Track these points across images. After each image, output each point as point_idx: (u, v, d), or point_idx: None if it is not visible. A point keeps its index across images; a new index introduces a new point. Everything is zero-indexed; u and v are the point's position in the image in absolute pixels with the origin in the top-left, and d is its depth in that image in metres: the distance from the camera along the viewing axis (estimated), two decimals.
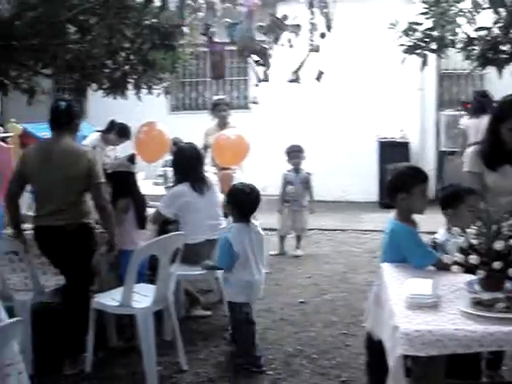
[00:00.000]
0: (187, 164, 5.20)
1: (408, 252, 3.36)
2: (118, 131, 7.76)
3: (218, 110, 7.57)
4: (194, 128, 8.21)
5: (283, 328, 5.21)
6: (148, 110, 8.75)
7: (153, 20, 5.12)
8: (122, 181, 4.82)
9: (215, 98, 8.61)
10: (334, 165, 11.09)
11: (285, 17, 5.48)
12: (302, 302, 5.85)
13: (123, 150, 7.76)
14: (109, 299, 4.32)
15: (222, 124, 7.49)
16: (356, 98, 11.12)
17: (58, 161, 4.31)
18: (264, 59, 5.44)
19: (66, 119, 4.44)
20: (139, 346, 4.28)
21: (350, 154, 11.16)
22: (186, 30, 5.38)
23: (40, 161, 4.36)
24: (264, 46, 5.52)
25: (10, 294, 4.20)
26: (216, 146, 6.79)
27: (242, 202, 4.52)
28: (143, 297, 4.29)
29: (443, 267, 3.07)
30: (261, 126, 10.96)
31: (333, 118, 11.30)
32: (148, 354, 4.11)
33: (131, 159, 4.98)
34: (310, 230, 8.16)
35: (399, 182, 3.48)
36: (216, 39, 5.47)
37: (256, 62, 5.67)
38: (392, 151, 10.64)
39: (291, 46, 5.57)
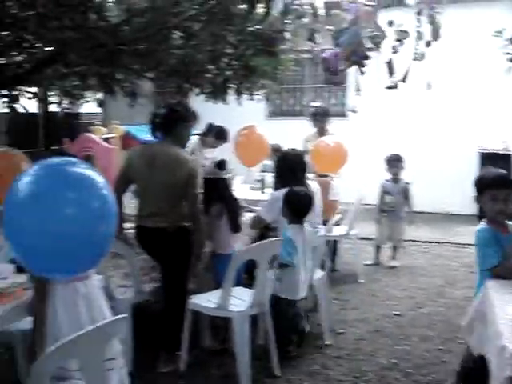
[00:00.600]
0: (290, 170, 5.20)
1: (476, 252, 3.51)
2: (215, 134, 7.86)
3: (318, 117, 7.53)
4: (290, 134, 8.22)
5: (378, 340, 5.13)
6: (245, 114, 8.81)
7: (256, 26, 5.14)
8: (213, 187, 4.84)
9: (313, 104, 8.57)
10: (432, 175, 10.83)
11: (391, 23, 5.39)
12: (397, 315, 5.74)
13: (221, 152, 7.85)
14: (205, 301, 4.39)
15: (322, 131, 7.45)
16: (458, 107, 10.81)
17: (161, 166, 4.42)
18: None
19: (170, 124, 4.56)
20: (233, 348, 4.32)
21: (450, 164, 10.86)
22: (288, 35, 5.37)
23: (144, 163, 4.48)
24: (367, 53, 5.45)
25: (113, 293, 4.32)
26: (315, 152, 6.76)
27: (297, 204, 4.76)
28: (240, 300, 4.34)
29: (506, 273, 3.08)
30: (359, 134, 10.86)
31: (433, 127, 11.03)
32: (242, 357, 4.16)
33: (220, 165, 5.00)
34: (406, 241, 7.99)
35: (476, 185, 3.71)
36: (321, 45, 5.45)
37: (359, 67, 5.60)
38: (493, 163, 10.23)
39: (395, 53, 5.48)
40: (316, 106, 8.03)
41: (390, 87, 5.89)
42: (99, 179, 2.53)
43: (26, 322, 3.52)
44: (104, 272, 4.34)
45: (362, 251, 7.45)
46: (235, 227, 4.91)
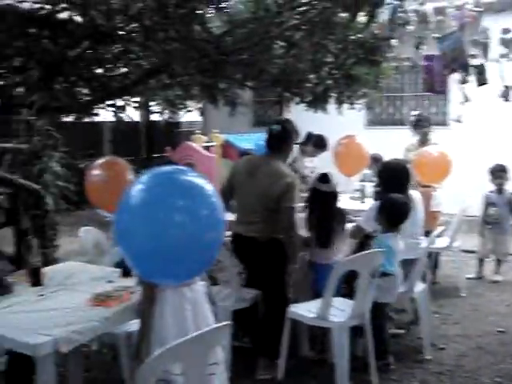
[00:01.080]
0: (393, 179, 5.11)
1: None
2: (315, 142, 7.85)
3: (420, 126, 7.38)
4: (389, 143, 8.10)
5: (480, 357, 4.94)
6: (344, 123, 8.76)
7: (358, 35, 5.11)
8: (315, 199, 4.91)
9: (413, 113, 8.41)
10: None
11: (506, 30, 5.22)
12: (501, 331, 5.52)
13: (320, 161, 7.84)
14: (305, 310, 4.37)
15: (424, 140, 7.28)
16: None
17: (261, 178, 4.54)
18: (481, 73, 5.23)
19: (277, 143, 4.72)
20: (331, 358, 4.29)
21: None
22: (394, 42, 5.31)
23: (245, 173, 4.62)
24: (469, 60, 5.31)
25: (215, 300, 4.38)
26: (418, 162, 6.62)
27: (393, 212, 4.65)
28: (340, 311, 4.30)
29: None
30: (461, 144, 10.55)
31: None
32: (341, 368, 4.11)
33: (322, 179, 4.98)
34: (510, 254, 7.68)
35: None
36: (427, 52, 5.35)
37: (462, 75, 5.47)
38: None
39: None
40: (417, 114, 7.86)
41: (504, 96, 5.69)
42: (208, 187, 2.58)
43: (131, 324, 3.65)
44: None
45: (465, 264, 7.23)
46: (326, 241, 4.85)
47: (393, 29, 4.92)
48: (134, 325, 3.64)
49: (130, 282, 3.49)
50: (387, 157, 5.95)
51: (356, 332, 4.45)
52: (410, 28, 5.21)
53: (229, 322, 2.65)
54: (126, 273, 3.69)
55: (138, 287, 3.31)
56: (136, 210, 2.49)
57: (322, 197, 4.91)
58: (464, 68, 5.33)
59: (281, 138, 4.72)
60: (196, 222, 2.48)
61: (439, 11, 5.16)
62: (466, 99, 5.84)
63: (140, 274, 2.89)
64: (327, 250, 4.79)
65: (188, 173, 2.61)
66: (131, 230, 2.48)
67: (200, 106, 6.78)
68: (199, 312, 3.14)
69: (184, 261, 2.48)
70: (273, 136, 4.71)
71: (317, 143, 7.85)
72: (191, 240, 2.46)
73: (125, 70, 4.83)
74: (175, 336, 2.98)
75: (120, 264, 3.95)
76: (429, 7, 5.20)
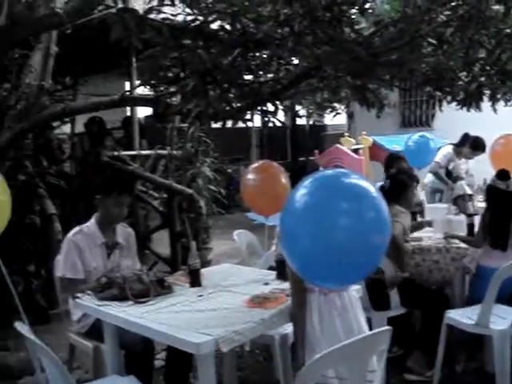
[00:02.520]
0: None
1: None
2: (471, 144, 7.59)
3: None
4: None
5: None
6: (497, 121, 8.39)
7: None
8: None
9: None
10: None
11: None
12: None
13: (476, 163, 7.57)
14: (463, 316, 4.25)
15: None
16: None
17: None
18: None
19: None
20: (488, 367, 4.15)
21: None
22: None
23: None
24: None
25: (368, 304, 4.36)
26: None
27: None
28: (500, 318, 4.13)
29: None
30: None
31: None
32: (502, 377, 3.95)
33: (501, 176, 4.76)
34: None
35: None
36: None
37: None
38: None
39: None
40: None
41: None
42: (373, 189, 2.57)
43: (284, 326, 3.70)
44: None
45: None
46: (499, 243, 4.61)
47: None
48: (289, 327, 3.71)
49: (286, 284, 3.54)
50: None
51: None
52: None
53: (389, 328, 2.60)
54: (282, 275, 3.74)
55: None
56: (301, 212, 2.53)
57: (500, 195, 4.71)
58: None
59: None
60: (361, 225, 2.48)
61: None
62: None
63: (303, 277, 2.91)
64: (499, 253, 4.55)
65: (352, 175, 2.62)
66: (296, 232, 2.52)
67: (347, 108, 6.73)
68: (349, 319, 3.12)
69: (349, 265, 2.47)
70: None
71: (474, 145, 7.59)
72: (357, 243, 2.46)
73: (275, 75, 4.90)
74: (324, 342, 2.99)
75: (274, 267, 4.03)
76: None
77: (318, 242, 2.47)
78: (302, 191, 2.58)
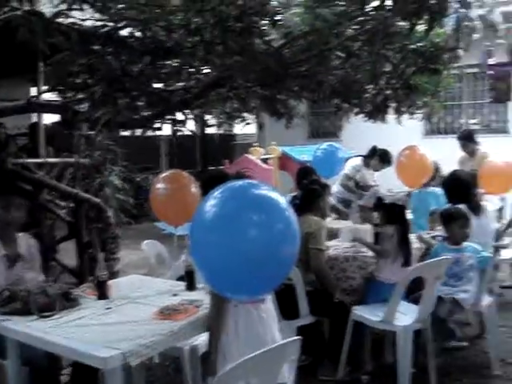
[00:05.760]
0: (463, 187, 5.09)
1: None
2: (379, 157, 7.82)
3: (464, 141, 7.60)
4: (447, 153, 7.94)
5: None
6: (401, 133, 8.65)
7: (418, 44, 5.04)
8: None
9: (470, 121, 8.39)
10: None
11: None
12: None
13: (382, 173, 7.78)
14: (370, 314, 4.49)
15: (472, 154, 7.52)
16: None
17: None
18: None
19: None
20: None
21: None
22: (460, 52, 5.20)
23: None
24: None
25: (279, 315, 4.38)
26: (483, 172, 6.48)
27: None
28: (403, 315, 4.37)
29: None
30: None
31: None
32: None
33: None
34: None
35: None
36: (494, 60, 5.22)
37: None
38: None
39: None
40: (461, 131, 7.93)
41: None
42: (282, 201, 2.58)
43: (194, 338, 3.67)
44: None
45: None
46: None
47: (458, 38, 4.82)
48: (198, 338, 3.67)
49: (196, 295, 3.50)
50: (446, 166, 5.85)
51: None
52: (476, 36, 5.08)
53: (299, 337, 2.61)
54: (191, 286, 3.70)
55: (204, 301, 3.32)
56: (211, 223, 2.51)
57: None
58: None
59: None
60: (271, 236, 2.48)
61: (508, 16, 5.03)
62: None
63: (213, 288, 2.89)
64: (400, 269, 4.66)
65: (262, 186, 2.61)
66: (204, 243, 2.49)
67: (257, 118, 6.76)
68: (264, 329, 3.13)
69: (258, 276, 2.47)
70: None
71: (382, 158, 7.82)
72: (266, 255, 2.45)
73: (185, 83, 4.86)
74: (237, 353, 2.98)
75: (183, 277, 3.98)
76: (496, 13, 5.07)
77: (228, 253, 2.45)
78: (211, 201, 2.57)
